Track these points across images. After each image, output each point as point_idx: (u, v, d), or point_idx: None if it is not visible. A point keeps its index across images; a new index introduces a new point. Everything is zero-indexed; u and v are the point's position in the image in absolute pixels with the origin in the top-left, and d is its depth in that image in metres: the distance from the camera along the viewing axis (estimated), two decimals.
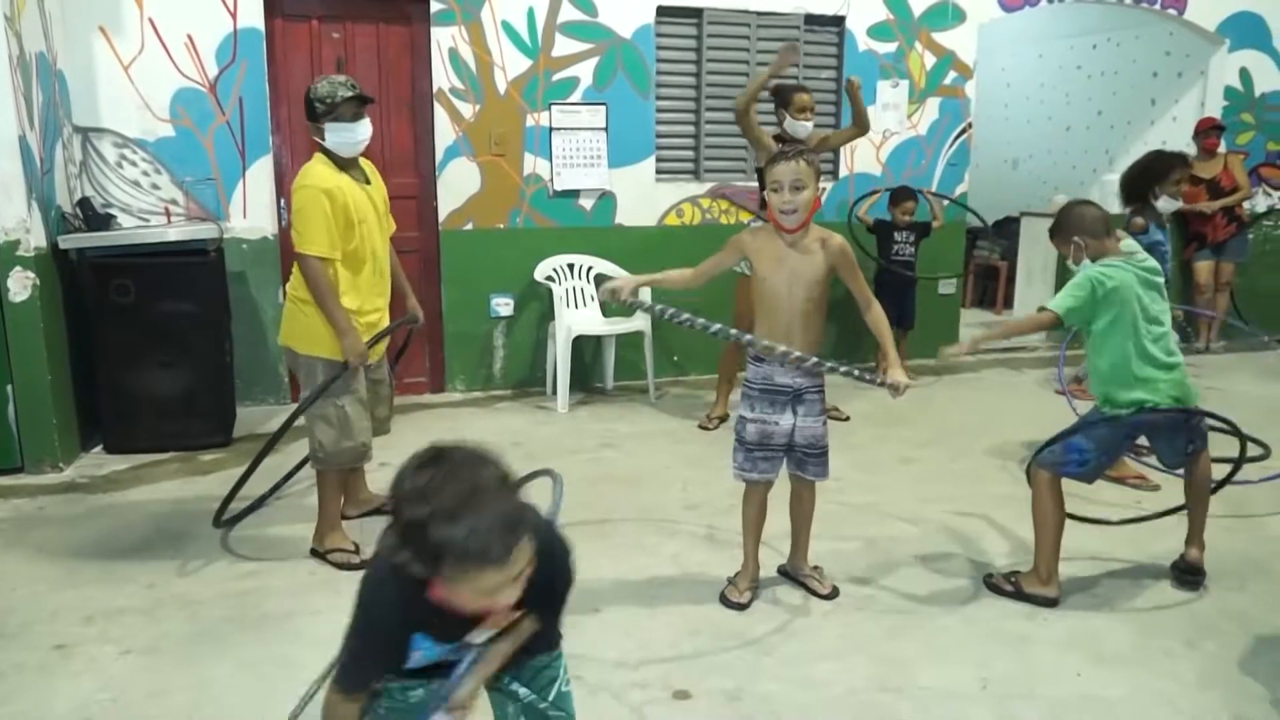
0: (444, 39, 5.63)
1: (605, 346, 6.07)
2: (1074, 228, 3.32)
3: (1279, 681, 2.75)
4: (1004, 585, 3.33)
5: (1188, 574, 3.39)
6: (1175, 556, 3.52)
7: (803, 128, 5.07)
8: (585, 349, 6.12)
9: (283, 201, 5.55)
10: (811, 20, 6.35)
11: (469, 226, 5.85)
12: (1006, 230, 8.63)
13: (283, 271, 5.44)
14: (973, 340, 3.55)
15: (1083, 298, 3.19)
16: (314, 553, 3.58)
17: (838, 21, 6.42)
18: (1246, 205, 7.25)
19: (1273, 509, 4.12)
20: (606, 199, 6.08)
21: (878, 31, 6.48)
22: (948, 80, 6.72)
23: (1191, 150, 7.02)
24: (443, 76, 5.64)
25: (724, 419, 5.40)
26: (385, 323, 3.64)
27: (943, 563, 3.62)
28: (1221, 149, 7.02)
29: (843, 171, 6.56)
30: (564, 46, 5.87)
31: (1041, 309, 3.33)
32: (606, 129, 5.99)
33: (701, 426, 5.33)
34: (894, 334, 6.39)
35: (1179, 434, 3.33)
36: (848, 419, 5.48)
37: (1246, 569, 3.53)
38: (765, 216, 4.76)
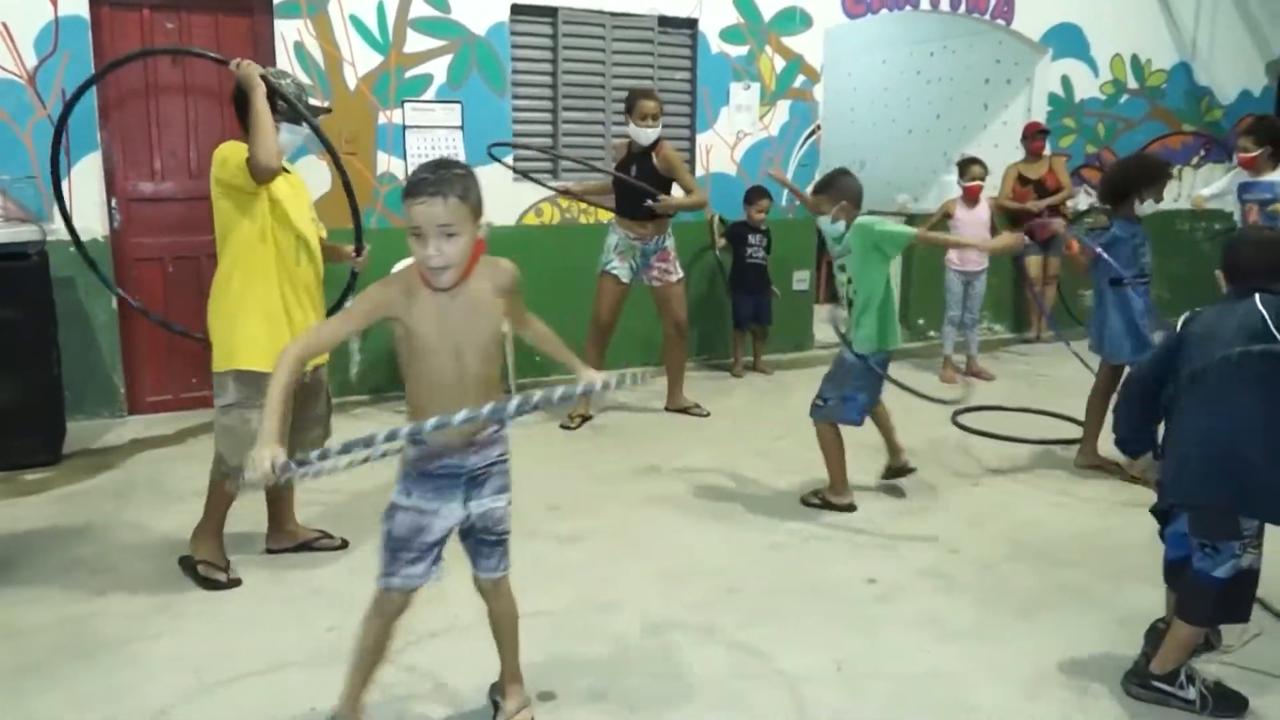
0: (289, 32, 5.41)
1: None
2: (843, 193, 3.90)
3: (1107, 646, 2.96)
4: (813, 500, 4.13)
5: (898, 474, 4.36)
6: (1019, 539, 3.77)
7: (645, 134, 5.12)
8: None
9: (114, 202, 5.22)
10: (665, 22, 6.43)
11: None
12: None
13: (116, 276, 5.13)
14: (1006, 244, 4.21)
15: (893, 226, 3.98)
16: (183, 561, 3.39)
17: (691, 24, 6.53)
18: (1070, 204, 7.76)
19: (1095, 491, 4.43)
20: None
21: (729, 35, 6.62)
22: (797, 83, 6.93)
23: (1020, 152, 7.48)
24: (288, 70, 5.42)
25: (586, 418, 5.41)
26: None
27: (801, 551, 3.73)
28: (1047, 151, 7.50)
29: (699, 171, 6.67)
30: (416, 43, 5.74)
31: (911, 238, 3.93)
32: (462, 127, 5.91)
33: (564, 426, 5.32)
34: (754, 329, 6.70)
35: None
36: (708, 414, 5.58)
37: (1075, 544, 3.78)
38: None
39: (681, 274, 5.50)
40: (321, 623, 3.07)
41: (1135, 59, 8.20)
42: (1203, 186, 6.66)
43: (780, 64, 6.83)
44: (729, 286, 6.66)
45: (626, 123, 5.21)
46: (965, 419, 5.42)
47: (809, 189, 4.13)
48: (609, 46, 6.27)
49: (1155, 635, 2.78)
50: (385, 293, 2.27)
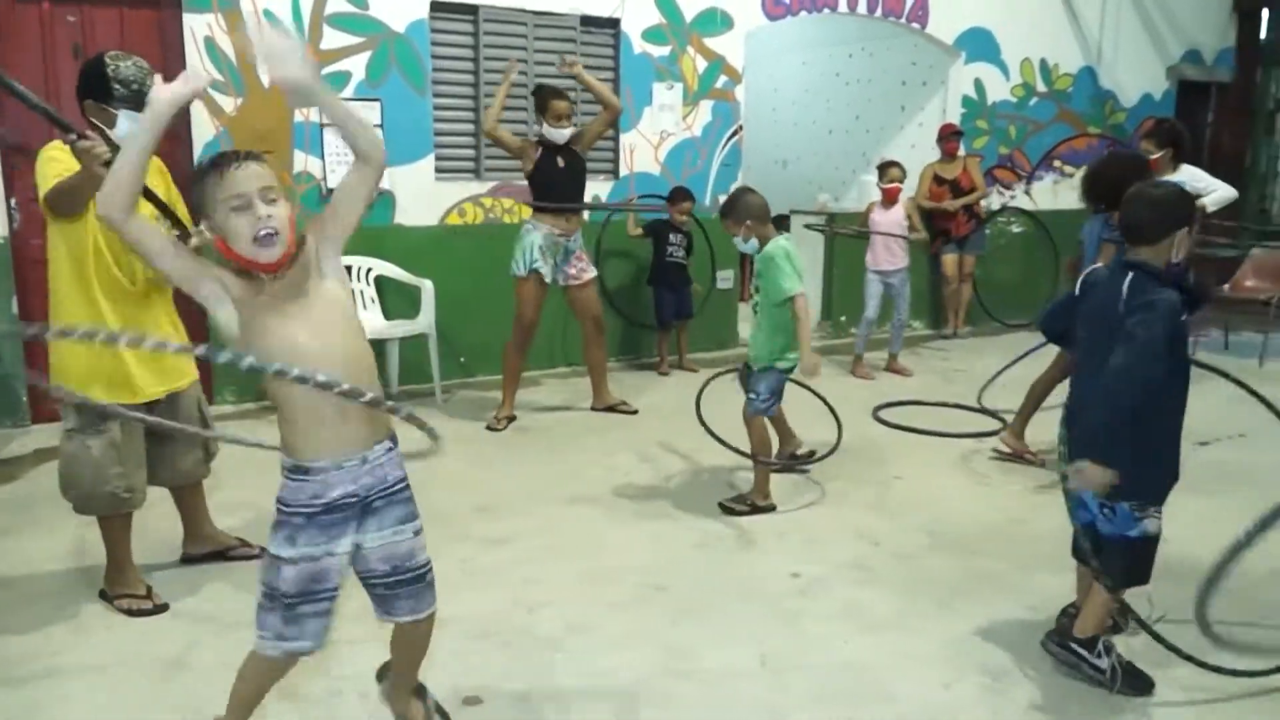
0: (198, 27, 5.26)
1: (388, 349, 5.88)
2: (745, 213, 3.97)
3: (1021, 633, 3.05)
4: (739, 506, 4.06)
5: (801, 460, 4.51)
6: (937, 530, 3.86)
7: (560, 134, 5.13)
8: None
9: (13, 201, 5.01)
10: (588, 21, 6.43)
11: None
12: (779, 227, 9.08)
13: (16, 280, 4.92)
14: (814, 366, 3.89)
15: (791, 271, 3.90)
16: (102, 595, 3.22)
17: (613, 24, 6.53)
18: (984, 203, 7.99)
19: (1010, 482, 4.57)
20: (384, 198, 5.90)
21: (652, 35, 6.65)
22: (719, 84, 6.99)
23: (936, 153, 7.67)
24: (199, 67, 5.27)
25: (512, 419, 5.38)
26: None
27: (727, 548, 3.77)
28: (961, 152, 7.70)
29: (623, 171, 6.69)
30: (333, 39, 5.64)
31: (789, 299, 3.88)
32: (382, 125, 5.81)
33: (490, 428, 5.28)
34: (678, 325, 6.74)
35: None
36: (635, 412, 5.60)
37: (990, 534, 3.90)
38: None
39: (594, 272, 5.52)
40: (237, 634, 2.99)
41: (1044, 63, 8.47)
42: None
43: (702, 64, 6.88)
44: (650, 284, 6.69)
45: (539, 122, 5.20)
46: (886, 414, 5.54)
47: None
48: (531, 45, 6.24)
49: (1066, 619, 2.89)
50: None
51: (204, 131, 5.34)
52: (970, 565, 3.60)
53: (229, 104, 5.38)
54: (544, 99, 5.16)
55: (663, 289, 6.62)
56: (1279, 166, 10.06)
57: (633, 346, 6.96)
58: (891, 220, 6.58)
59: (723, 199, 4.31)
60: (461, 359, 6.27)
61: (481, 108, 6.15)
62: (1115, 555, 2.70)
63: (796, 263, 3.96)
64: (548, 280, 5.27)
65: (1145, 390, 2.49)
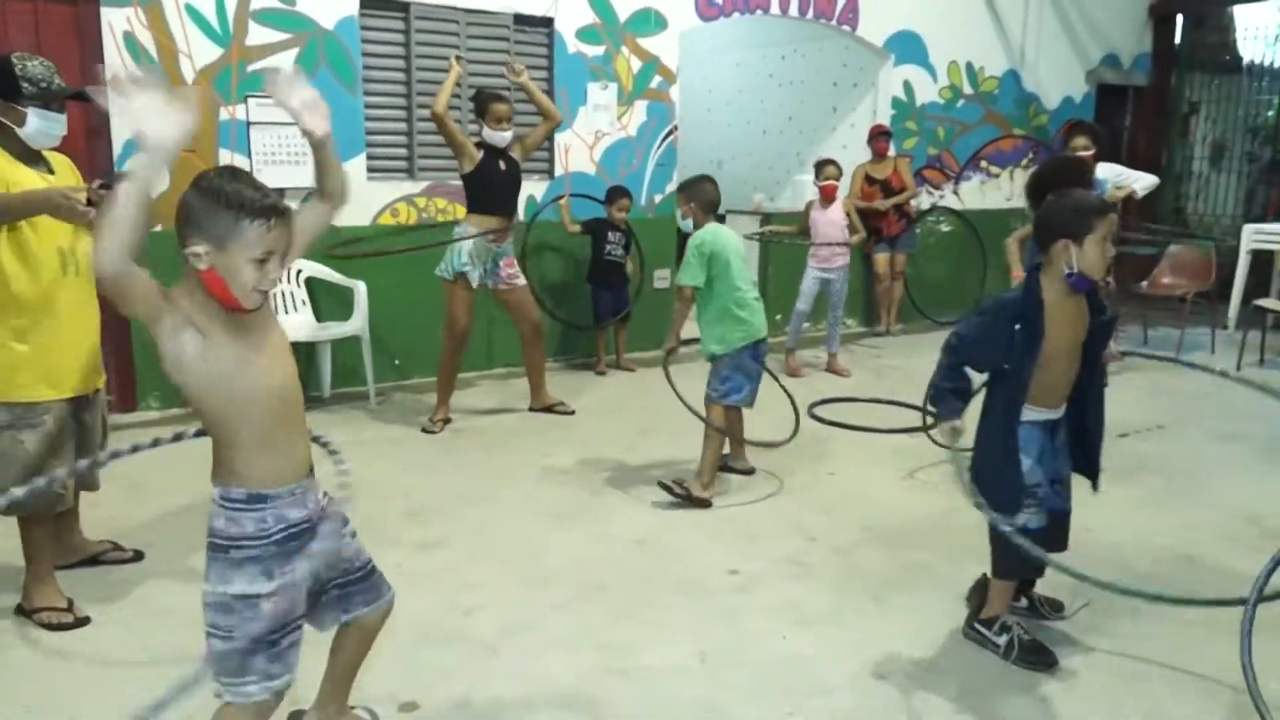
0: (117, 21, 5.10)
1: (319, 353, 5.79)
2: (692, 195, 4.24)
3: (951, 623, 3.11)
4: (675, 489, 4.16)
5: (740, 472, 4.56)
6: (871, 524, 3.93)
7: (501, 137, 5.11)
8: (298, 356, 5.79)
9: None
10: (521, 20, 6.39)
11: (158, 229, 5.30)
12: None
13: None
14: (667, 352, 4.34)
15: (694, 263, 4.13)
16: (19, 610, 3.09)
17: (547, 23, 6.51)
18: (914, 203, 8.15)
19: (941, 476, 4.66)
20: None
21: (586, 34, 6.64)
22: (654, 84, 7.01)
23: (868, 153, 7.80)
24: (118, 63, 5.11)
25: (448, 421, 5.32)
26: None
27: (666, 546, 3.78)
28: (891, 152, 7.84)
29: (558, 171, 6.67)
30: (259, 35, 5.51)
31: (680, 289, 4.21)
32: None
33: (425, 430, 5.22)
34: (616, 325, 6.74)
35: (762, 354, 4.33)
36: (573, 412, 5.59)
37: (922, 527, 3.97)
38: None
39: (524, 279, 5.50)
40: (162, 640, 2.91)
41: (970, 66, 8.67)
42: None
43: (637, 65, 6.90)
44: (588, 283, 6.68)
45: (479, 125, 5.16)
46: (820, 411, 5.61)
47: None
48: (464, 44, 6.19)
49: (978, 589, 3.12)
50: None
51: (124, 130, 5.17)
52: (903, 558, 3.67)
53: None
54: (484, 102, 5.12)
55: (601, 288, 6.62)
56: (1193, 167, 10.45)
57: (570, 346, 6.95)
58: (832, 219, 6.65)
59: (659, 200, 4.37)
60: (396, 361, 6.19)
61: (414, 106, 6.08)
62: (991, 545, 2.92)
63: (699, 255, 4.13)
64: (475, 284, 5.22)
65: (949, 353, 2.77)
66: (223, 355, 1.91)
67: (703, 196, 4.22)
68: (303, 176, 5.70)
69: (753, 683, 2.79)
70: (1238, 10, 10.53)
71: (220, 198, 1.84)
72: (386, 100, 6.06)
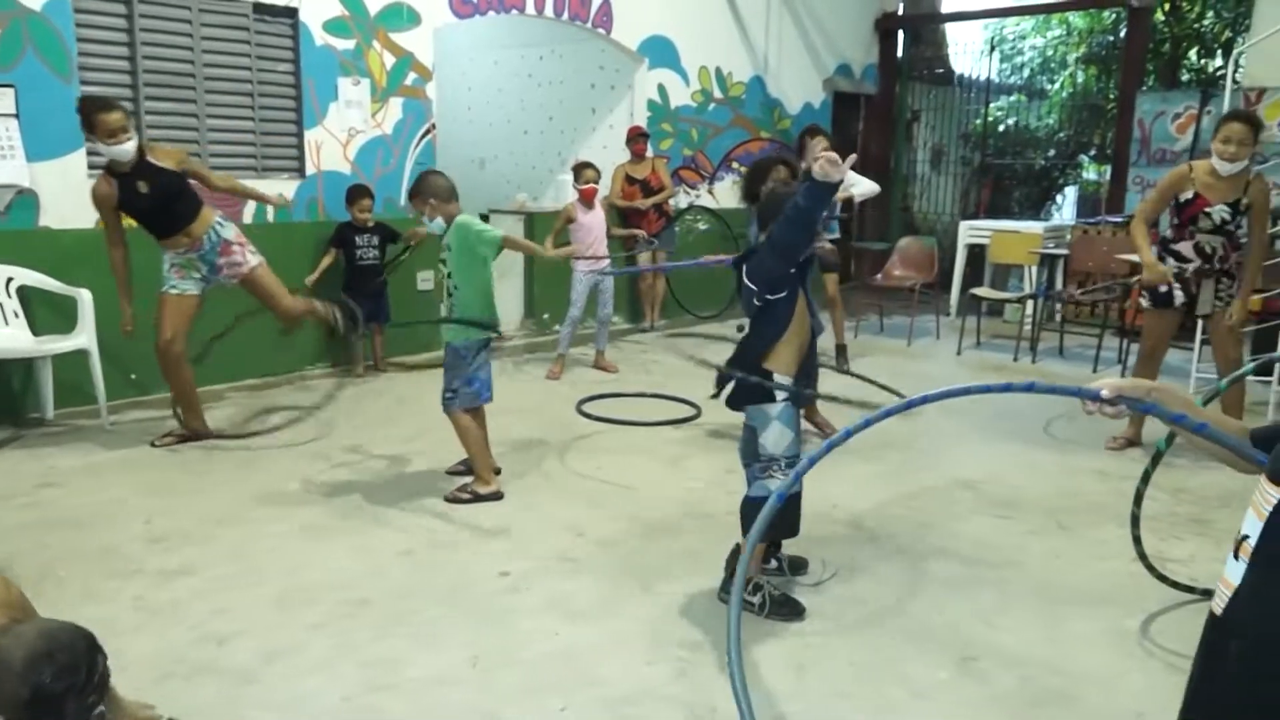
0: None
1: (39, 370, 5.20)
2: (430, 193, 4.08)
3: (716, 605, 3.26)
4: (463, 496, 4.16)
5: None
6: (638, 516, 4.02)
7: (122, 151, 4.47)
8: (13, 375, 5.20)
9: None
10: (261, 10, 6.03)
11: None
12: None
13: None
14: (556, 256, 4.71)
15: (488, 229, 4.18)
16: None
17: (290, 13, 6.18)
18: (672, 202, 8.43)
19: (702, 464, 4.86)
20: (26, 198, 5.20)
21: (334, 27, 6.36)
22: (409, 81, 6.83)
23: (627, 154, 7.98)
24: None
25: (185, 438, 4.95)
26: None
27: (433, 554, 3.70)
28: (649, 153, 8.07)
29: (310, 169, 6.36)
30: None
31: (501, 238, 4.13)
32: (18, 115, 5.12)
33: (155, 445, 4.86)
34: (369, 330, 6.51)
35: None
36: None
37: (687, 515, 4.12)
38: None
39: (261, 256, 5.05)
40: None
41: (719, 71, 9.08)
42: None
43: (391, 60, 6.69)
44: (345, 291, 6.39)
45: (94, 143, 4.59)
46: (587, 407, 5.68)
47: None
48: (198, 33, 5.76)
49: (733, 557, 3.34)
50: None
51: None
52: (669, 546, 3.79)
53: None
54: (87, 114, 4.42)
55: (358, 296, 6.34)
56: (917, 170, 11.51)
57: (330, 353, 6.65)
58: (595, 220, 6.73)
59: None
60: (133, 375, 5.66)
61: (142, 99, 5.59)
62: (741, 513, 3.22)
63: (479, 234, 4.11)
64: (193, 293, 4.86)
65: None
66: None
67: (437, 190, 4.08)
68: (10, 173, 5.12)
69: (524, 682, 2.79)
70: (949, 27, 11.71)
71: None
72: (109, 91, 5.50)
